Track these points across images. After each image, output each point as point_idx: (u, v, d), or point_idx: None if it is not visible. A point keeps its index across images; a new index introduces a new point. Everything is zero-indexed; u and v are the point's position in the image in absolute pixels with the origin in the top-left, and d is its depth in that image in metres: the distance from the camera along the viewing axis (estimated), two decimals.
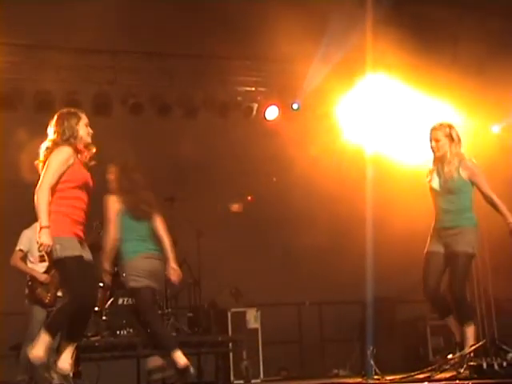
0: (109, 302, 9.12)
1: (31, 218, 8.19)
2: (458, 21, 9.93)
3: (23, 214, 8.76)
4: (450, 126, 6.83)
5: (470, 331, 6.49)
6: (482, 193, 6.68)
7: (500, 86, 10.32)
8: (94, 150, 6.18)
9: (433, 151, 6.82)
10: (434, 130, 6.82)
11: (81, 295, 5.88)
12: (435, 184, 6.75)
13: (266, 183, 11.18)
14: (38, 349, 5.83)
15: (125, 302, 9.21)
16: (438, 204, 6.78)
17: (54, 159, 5.91)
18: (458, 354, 6.30)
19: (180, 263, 9.90)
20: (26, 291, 8.23)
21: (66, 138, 6.02)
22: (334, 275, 10.73)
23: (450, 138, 6.74)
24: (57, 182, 5.89)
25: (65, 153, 5.96)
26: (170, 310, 9.80)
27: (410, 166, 10.88)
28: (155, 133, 10.44)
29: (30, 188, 5.91)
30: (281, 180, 11.15)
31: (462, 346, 6.38)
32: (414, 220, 10.27)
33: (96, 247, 7.87)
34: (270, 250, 10.96)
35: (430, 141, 6.81)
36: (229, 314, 10.15)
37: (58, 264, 5.91)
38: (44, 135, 9.05)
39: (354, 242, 9.91)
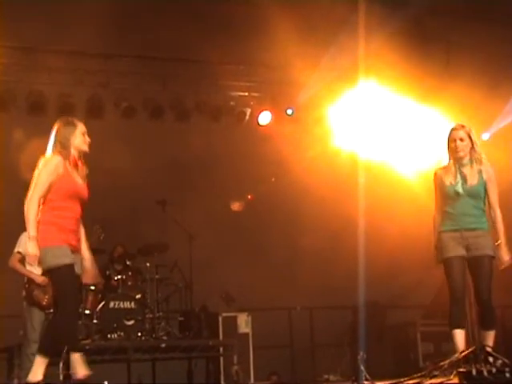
0: (100, 306, 9.11)
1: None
2: (451, 29, 9.94)
3: (21, 216, 8.84)
4: (470, 127, 6.65)
5: (492, 337, 6.41)
6: (490, 201, 6.55)
7: (490, 94, 10.39)
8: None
9: (454, 151, 6.57)
10: (455, 129, 6.61)
11: (71, 303, 5.90)
12: (459, 187, 6.49)
13: (258, 188, 11.18)
14: (39, 373, 5.79)
15: (116, 306, 9.19)
16: (457, 207, 6.51)
17: (43, 170, 5.92)
18: (447, 361, 6.28)
19: (171, 267, 10.01)
20: (24, 293, 8.20)
21: (59, 148, 6.01)
22: (325, 280, 10.76)
23: (471, 139, 6.58)
24: (47, 192, 5.87)
25: (52, 163, 5.94)
26: (161, 313, 9.80)
27: (402, 172, 10.98)
28: (148, 136, 10.45)
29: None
30: (273, 185, 11.16)
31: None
32: (405, 226, 10.36)
33: (97, 251, 7.91)
34: (261, 254, 10.95)
35: (452, 141, 6.57)
36: (220, 319, 10.19)
37: (49, 273, 5.95)
38: (37, 137, 9.17)
39: (345, 247, 9.93)
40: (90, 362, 6.07)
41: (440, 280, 11.31)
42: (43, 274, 8.04)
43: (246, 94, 11.35)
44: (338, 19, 9.74)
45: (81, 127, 6.12)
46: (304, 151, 11.13)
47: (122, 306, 9.39)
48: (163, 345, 9.52)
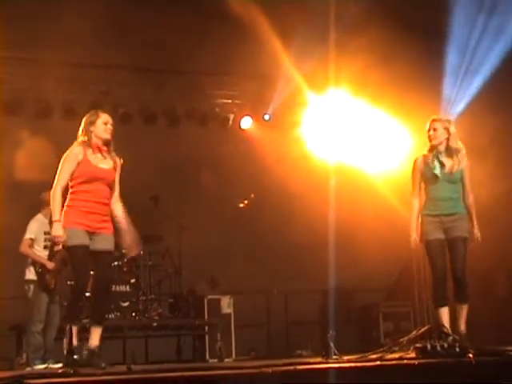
0: None
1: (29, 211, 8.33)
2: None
3: (22, 209, 8.83)
4: (449, 121, 6.65)
5: (465, 309, 6.37)
6: (465, 189, 6.54)
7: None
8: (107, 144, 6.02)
9: (429, 140, 6.55)
10: (433, 120, 6.58)
11: (80, 279, 5.86)
12: (438, 172, 6.45)
13: (241, 185, 11.18)
14: (75, 339, 5.84)
15: (113, 289, 9.19)
16: (437, 192, 6.48)
17: (63, 160, 5.89)
18: (406, 337, 6.31)
19: (163, 254, 10.01)
20: (35, 277, 8.11)
21: (82, 137, 5.98)
22: (299, 267, 10.76)
23: (448, 131, 6.52)
24: (70, 179, 5.85)
25: (71, 153, 5.90)
26: (153, 296, 9.80)
27: (367, 172, 11.04)
28: (142, 139, 10.41)
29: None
30: (254, 182, 11.15)
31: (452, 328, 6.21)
32: (369, 219, 10.41)
33: None
34: (242, 244, 10.96)
35: (428, 131, 6.55)
36: (205, 301, 10.17)
37: (66, 252, 5.94)
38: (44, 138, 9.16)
39: (317, 239, 9.95)
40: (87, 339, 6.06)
41: (400, 266, 11.52)
42: (50, 254, 8.08)
43: (230, 101, 11.39)
44: (311, 34, 9.76)
45: (103, 117, 6.04)
46: (281, 152, 11.13)
47: (118, 289, 9.39)
48: (155, 324, 9.58)
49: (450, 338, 5.67)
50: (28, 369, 7.77)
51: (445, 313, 6.33)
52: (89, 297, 6.45)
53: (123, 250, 6.83)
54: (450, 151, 6.52)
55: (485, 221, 6.60)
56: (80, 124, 6.14)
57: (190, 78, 10.83)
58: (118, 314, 9.26)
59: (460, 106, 10.11)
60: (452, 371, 4.87)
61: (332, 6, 9.27)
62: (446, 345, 5.51)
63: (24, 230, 8.15)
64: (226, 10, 9.06)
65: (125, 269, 9.56)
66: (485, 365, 4.83)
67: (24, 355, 8.33)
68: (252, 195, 10.97)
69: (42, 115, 10.15)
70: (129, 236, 6.13)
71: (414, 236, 6.52)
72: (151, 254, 9.87)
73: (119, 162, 6.12)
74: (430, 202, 6.52)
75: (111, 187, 6.01)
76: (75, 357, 5.84)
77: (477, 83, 10.13)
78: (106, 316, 6.62)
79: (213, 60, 9.99)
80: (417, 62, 10.11)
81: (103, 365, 5.73)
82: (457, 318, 6.38)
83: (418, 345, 5.72)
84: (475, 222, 6.56)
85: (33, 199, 8.36)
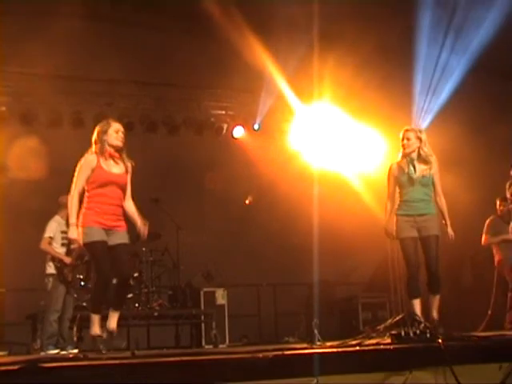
0: None
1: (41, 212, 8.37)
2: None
3: (33, 210, 8.87)
4: (420, 130, 6.69)
5: (438, 299, 6.44)
6: (437, 191, 6.58)
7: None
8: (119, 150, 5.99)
9: (403, 148, 6.57)
10: (406, 130, 6.61)
11: (101, 271, 5.84)
12: (411, 176, 6.48)
13: (233, 188, 11.22)
14: (96, 328, 5.80)
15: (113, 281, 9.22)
16: (412, 194, 6.49)
17: (78, 168, 5.88)
18: (382, 325, 6.34)
19: (162, 251, 10.03)
20: (55, 271, 8.15)
21: (95, 145, 5.94)
22: (286, 263, 10.80)
23: (420, 139, 6.55)
24: (86, 184, 5.83)
25: (85, 160, 5.88)
26: (154, 288, 9.82)
27: (348, 175, 11.10)
28: (144, 147, 10.40)
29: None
30: (245, 185, 11.19)
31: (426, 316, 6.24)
32: (349, 218, 10.44)
33: None
34: (234, 242, 10.99)
35: (402, 140, 6.58)
36: (201, 293, 10.21)
37: (85, 248, 5.93)
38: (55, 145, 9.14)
39: (302, 236, 9.96)
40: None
41: (377, 262, 11.57)
42: (68, 250, 8.13)
43: (223, 112, 11.41)
44: (296, 52, 9.83)
45: (114, 126, 6.00)
46: (269, 157, 11.18)
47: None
48: (156, 313, 9.63)
49: (422, 325, 5.72)
50: (42, 353, 7.83)
51: (417, 304, 6.39)
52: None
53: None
54: (422, 157, 6.56)
55: (452, 220, 6.66)
56: (87, 133, 6.14)
57: (187, 91, 10.88)
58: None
59: (428, 118, 10.19)
60: (423, 355, 4.93)
61: (315, 26, 9.30)
62: (418, 331, 5.56)
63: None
64: (219, 29, 9.11)
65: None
66: (452, 349, 4.89)
67: (38, 341, 8.38)
68: (250, 197, 11.03)
69: (53, 125, 10.18)
70: (138, 222, 6.10)
71: (387, 228, 6.55)
72: (152, 250, 9.88)
73: (131, 165, 6.08)
74: (404, 203, 6.54)
75: (124, 190, 5.99)
76: (101, 347, 5.77)
77: (443, 97, 10.21)
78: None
79: (208, 75, 10.02)
80: (390, 77, 10.17)
81: (123, 344, 5.74)
82: (430, 306, 6.45)
83: (393, 332, 5.74)
84: (448, 222, 6.62)
85: (47, 202, 8.44)
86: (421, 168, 6.54)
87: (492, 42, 9.40)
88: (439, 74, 10.07)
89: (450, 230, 6.60)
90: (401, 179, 6.57)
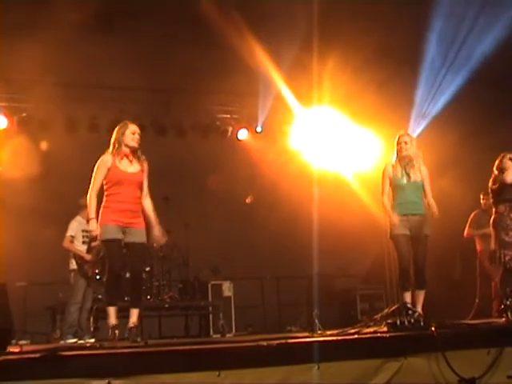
0: None
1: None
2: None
3: (53, 210, 8.91)
4: (413, 136, 6.75)
5: (423, 294, 6.45)
6: (427, 193, 6.59)
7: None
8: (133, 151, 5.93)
9: (399, 151, 6.57)
10: (402, 135, 6.63)
11: (112, 267, 5.86)
12: (405, 180, 6.50)
13: (238, 187, 11.23)
14: (112, 319, 5.80)
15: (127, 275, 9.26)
16: (405, 197, 6.51)
17: (96, 168, 5.87)
18: (379, 315, 6.35)
19: (172, 247, 10.03)
20: (76, 267, 8.22)
21: (112, 145, 5.93)
22: (288, 256, 10.78)
23: (413, 144, 6.61)
24: (102, 184, 5.83)
25: (102, 161, 5.87)
26: (164, 281, 9.82)
27: (346, 174, 11.11)
28: (154, 149, 10.36)
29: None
30: (249, 184, 11.19)
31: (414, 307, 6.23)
32: (348, 213, 10.44)
33: None
34: (240, 238, 10.97)
35: (399, 143, 6.58)
36: (209, 286, 10.21)
37: (102, 245, 5.95)
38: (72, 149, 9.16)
39: (303, 232, 9.93)
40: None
41: (374, 255, 11.57)
42: (89, 248, 8.17)
43: (228, 116, 11.38)
44: (297, 59, 9.85)
45: (131, 128, 5.97)
46: (271, 158, 11.19)
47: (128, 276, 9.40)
48: (167, 305, 9.63)
49: (416, 314, 5.74)
50: (62, 342, 7.89)
51: (408, 296, 6.38)
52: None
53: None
54: (415, 162, 6.59)
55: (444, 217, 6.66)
56: (102, 136, 6.14)
57: (194, 97, 10.85)
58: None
59: (423, 124, 10.21)
60: (417, 342, 4.95)
61: (315, 29, 9.29)
62: (412, 320, 5.59)
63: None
64: (223, 37, 9.12)
65: None
66: (444, 336, 4.91)
67: (58, 331, 8.45)
68: (250, 196, 11.05)
69: (70, 129, 10.21)
70: (156, 229, 6.08)
71: (390, 213, 6.50)
72: (162, 246, 9.82)
73: (146, 165, 6.04)
74: (398, 205, 6.55)
75: (140, 187, 5.94)
76: (116, 332, 5.78)
77: (440, 104, 10.21)
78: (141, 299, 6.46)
79: (213, 80, 10.01)
80: (389, 82, 10.18)
81: (138, 339, 5.72)
82: (415, 301, 6.44)
83: (389, 321, 5.77)
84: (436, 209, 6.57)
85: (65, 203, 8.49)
86: (413, 172, 6.55)
87: (491, 54, 9.38)
88: (439, 81, 10.05)
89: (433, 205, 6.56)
90: (395, 181, 6.57)
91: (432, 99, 10.18)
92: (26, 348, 5.49)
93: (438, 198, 6.61)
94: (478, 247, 8.73)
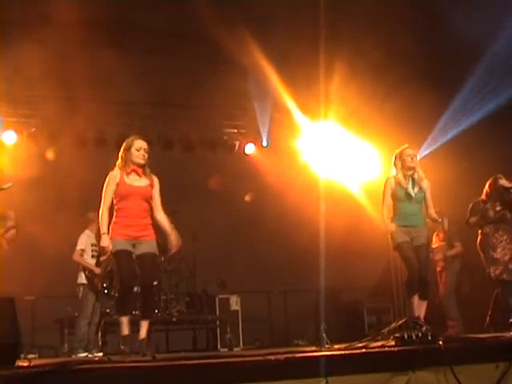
0: None
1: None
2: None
3: (61, 223, 8.94)
4: (416, 150, 6.80)
5: (425, 305, 6.46)
6: (428, 205, 6.64)
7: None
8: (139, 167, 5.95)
9: (406, 163, 6.58)
10: (409, 148, 6.66)
11: (123, 279, 5.87)
12: (408, 192, 6.53)
13: (244, 199, 11.26)
14: (124, 329, 5.81)
15: (138, 290, 9.24)
16: (407, 209, 6.55)
17: (105, 184, 5.92)
18: (387, 329, 6.33)
19: (180, 260, 10.03)
20: (84, 281, 8.25)
21: (120, 161, 5.98)
22: (295, 270, 10.76)
23: (417, 157, 6.69)
24: (112, 199, 5.86)
25: (110, 176, 5.92)
26: (172, 295, 9.85)
27: (351, 186, 11.11)
28: (162, 163, 10.40)
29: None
30: (256, 197, 11.20)
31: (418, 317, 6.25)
32: (353, 229, 10.42)
33: None
34: (248, 251, 10.95)
35: (407, 155, 6.58)
36: (216, 299, 10.22)
37: (113, 257, 5.95)
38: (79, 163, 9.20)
39: (310, 246, 9.87)
40: (120, 332, 6.07)
41: (381, 268, 11.54)
42: (98, 261, 8.18)
43: (236, 130, 11.46)
44: (303, 74, 9.89)
45: (137, 144, 6.00)
46: (278, 171, 11.21)
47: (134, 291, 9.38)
48: (174, 319, 9.64)
49: (424, 328, 5.72)
50: (73, 356, 7.89)
51: (416, 299, 6.39)
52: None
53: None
54: (417, 175, 6.64)
55: None
56: (110, 150, 6.18)
57: (201, 112, 10.92)
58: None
59: (433, 147, 10.27)
60: (425, 356, 4.93)
61: (321, 46, 9.34)
62: (420, 334, 5.56)
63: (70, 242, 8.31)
64: (230, 53, 9.18)
65: None
66: (452, 350, 4.89)
67: (66, 345, 8.46)
68: (249, 194, 11.09)
69: (78, 144, 10.26)
70: (172, 236, 6.07)
71: (387, 224, 6.53)
72: (170, 260, 9.88)
73: (156, 179, 6.08)
74: (400, 216, 6.59)
75: (148, 201, 5.96)
76: (122, 347, 5.78)
77: (455, 132, 10.30)
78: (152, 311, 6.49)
79: (221, 96, 10.06)
80: (392, 97, 10.22)
81: (148, 353, 5.69)
82: (418, 312, 6.42)
83: (396, 334, 5.75)
84: (445, 220, 6.75)
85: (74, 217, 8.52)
86: (416, 184, 6.61)
87: None
88: (463, 113, 10.12)
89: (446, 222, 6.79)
90: (398, 194, 6.60)
91: (446, 127, 10.26)
92: (34, 362, 5.49)
93: (447, 212, 6.67)
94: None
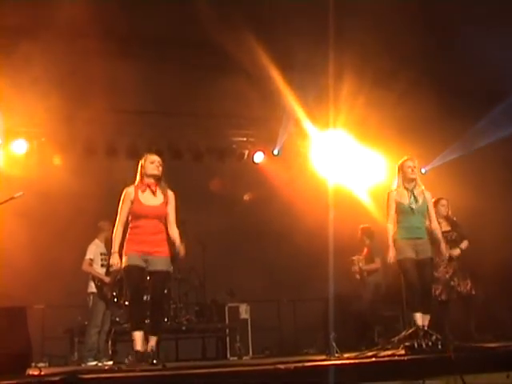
0: None
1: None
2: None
3: (72, 233, 8.98)
4: (417, 161, 6.73)
5: (428, 318, 6.38)
6: (431, 217, 6.63)
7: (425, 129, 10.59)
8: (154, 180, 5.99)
9: (407, 175, 6.56)
10: (410, 159, 6.62)
11: (133, 292, 5.90)
12: (412, 204, 6.50)
13: (254, 208, 11.25)
14: (137, 344, 5.80)
15: (147, 299, 9.25)
16: (412, 221, 6.51)
17: (121, 201, 5.96)
18: (396, 337, 6.31)
19: (189, 269, 10.03)
20: (94, 290, 8.27)
21: (136, 179, 6.03)
22: (304, 279, 10.74)
23: (418, 169, 6.70)
24: (127, 216, 5.91)
25: (126, 193, 5.96)
26: (182, 304, 9.83)
27: (361, 197, 11.10)
28: (170, 173, 10.49)
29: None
30: (265, 205, 11.18)
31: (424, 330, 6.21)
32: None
33: None
34: (257, 260, 10.92)
35: (408, 167, 6.55)
36: (226, 308, 10.18)
37: (123, 272, 5.96)
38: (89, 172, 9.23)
39: (318, 255, 9.87)
40: (129, 341, 6.07)
41: (390, 277, 11.45)
42: (107, 271, 8.20)
43: (245, 139, 11.46)
44: (313, 83, 9.91)
45: (150, 158, 6.04)
46: (287, 179, 11.22)
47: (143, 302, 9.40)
48: (184, 328, 9.60)
49: (434, 337, 5.71)
50: (83, 365, 7.90)
51: (419, 317, 6.31)
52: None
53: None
54: (418, 187, 6.62)
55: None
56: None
57: (210, 120, 10.93)
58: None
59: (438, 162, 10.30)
60: (435, 365, 4.91)
61: (331, 54, 9.36)
62: (430, 343, 5.56)
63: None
64: (239, 62, 9.21)
65: None
66: (462, 359, 4.87)
67: (75, 354, 8.47)
68: (248, 194, 11.12)
69: (88, 153, 10.30)
70: (179, 251, 6.11)
71: (391, 254, 6.52)
72: (179, 269, 9.88)
73: (171, 194, 6.11)
74: (404, 229, 6.54)
75: (161, 219, 5.99)
76: (126, 360, 5.85)
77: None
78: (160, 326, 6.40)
79: (229, 104, 10.09)
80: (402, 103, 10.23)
81: (155, 361, 5.72)
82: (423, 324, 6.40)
83: (406, 343, 5.75)
84: (443, 242, 6.75)
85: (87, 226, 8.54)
86: (419, 196, 6.56)
87: None
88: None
89: (444, 250, 6.80)
90: (401, 205, 6.54)
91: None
92: (45, 371, 5.51)
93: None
94: None
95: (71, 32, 8.34)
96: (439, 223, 7.19)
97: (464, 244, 7.90)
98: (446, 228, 7.84)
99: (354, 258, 9.60)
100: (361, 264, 9.60)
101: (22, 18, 8.17)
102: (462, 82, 10.46)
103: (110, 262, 5.90)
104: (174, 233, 6.11)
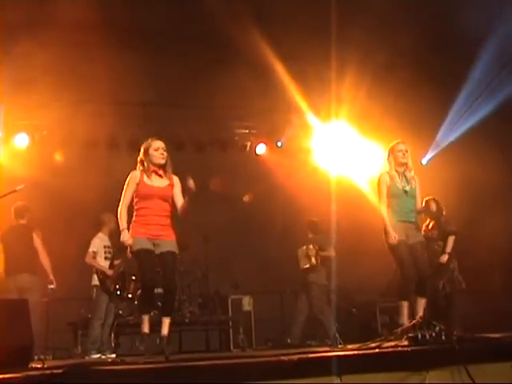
0: (139, 291, 9.13)
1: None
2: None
3: (75, 227, 8.98)
4: (407, 146, 6.73)
5: (424, 303, 6.46)
6: (417, 200, 6.65)
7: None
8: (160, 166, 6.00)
9: (399, 159, 6.58)
10: (401, 143, 6.65)
11: (145, 276, 5.89)
12: (403, 187, 6.53)
13: (256, 200, 11.24)
14: (144, 327, 5.87)
15: (157, 291, 9.27)
16: (404, 204, 6.54)
17: (126, 184, 5.95)
18: (400, 328, 6.30)
19: (192, 261, 10.02)
20: (98, 282, 8.29)
21: (139, 163, 6.02)
22: None
23: (409, 153, 6.65)
24: (132, 199, 5.90)
25: (131, 176, 5.96)
26: (185, 297, 9.84)
27: (364, 189, 11.06)
28: (173, 165, 10.48)
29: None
30: (267, 197, 11.18)
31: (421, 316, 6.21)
32: (365, 229, 10.35)
33: None
34: (259, 251, 10.95)
35: (399, 151, 6.59)
36: (229, 300, 10.24)
37: (132, 255, 5.97)
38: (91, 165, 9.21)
39: None
40: (132, 333, 6.10)
41: (394, 268, 11.44)
42: (111, 263, 8.20)
43: (247, 131, 11.45)
44: (316, 74, 9.89)
45: (154, 145, 6.03)
46: (289, 171, 11.20)
47: (155, 291, 9.40)
48: (187, 320, 9.61)
49: (437, 328, 5.69)
50: (86, 357, 7.92)
51: (405, 306, 6.41)
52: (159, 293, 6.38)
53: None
54: (409, 171, 6.64)
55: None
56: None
57: (212, 112, 10.92)
58: (156, 311, 9.27)
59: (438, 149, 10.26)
60: (439, 356, 4.90)
61: (333, 48, 9.33)
62: (433, 334, 5.54)
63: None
64: (242, 55, 9.20)
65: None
66: (466, 349, 4.86)
67: (79, 347, 8.49)
68: (247, 196, 11.11)
69: (90, 146, 10.29)
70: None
71: (394, 234, 6.48)
72: (182, 261, 9.83)
73: (176, 179, 6.13)
74: (395, 212, 6.55)
75: (168, 201, 6.00)
76: (138, 345, 5.88)
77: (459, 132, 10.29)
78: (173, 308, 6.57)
79: (232, 97, 10.07)
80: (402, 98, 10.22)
81: (167, 353, 5.77)
82: (416, 309, 6.45)
83: (410, 334, 5.73)
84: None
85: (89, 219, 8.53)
86: (410, 180, 6.59)
87: None
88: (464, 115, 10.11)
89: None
90: (393, 189, 6.56)
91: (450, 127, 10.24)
92: (48, 363, 5.51)
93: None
94: None
95: (72, 25, 8.33)
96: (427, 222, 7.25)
97: (449, 247, 8.07)
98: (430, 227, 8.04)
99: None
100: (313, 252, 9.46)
101: (24, 10, 8.14)
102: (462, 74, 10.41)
103: (121, 239, 5.87)
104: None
